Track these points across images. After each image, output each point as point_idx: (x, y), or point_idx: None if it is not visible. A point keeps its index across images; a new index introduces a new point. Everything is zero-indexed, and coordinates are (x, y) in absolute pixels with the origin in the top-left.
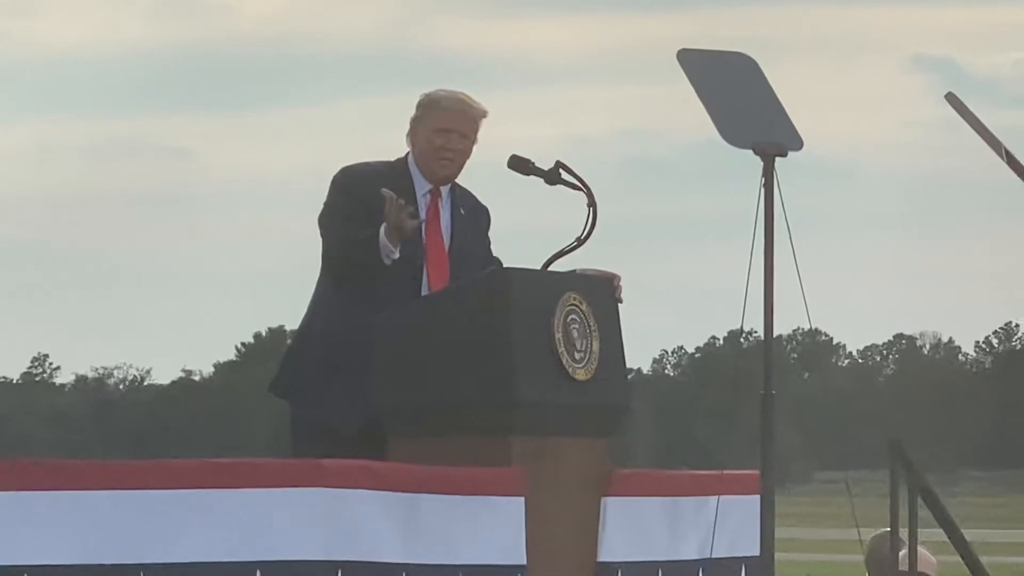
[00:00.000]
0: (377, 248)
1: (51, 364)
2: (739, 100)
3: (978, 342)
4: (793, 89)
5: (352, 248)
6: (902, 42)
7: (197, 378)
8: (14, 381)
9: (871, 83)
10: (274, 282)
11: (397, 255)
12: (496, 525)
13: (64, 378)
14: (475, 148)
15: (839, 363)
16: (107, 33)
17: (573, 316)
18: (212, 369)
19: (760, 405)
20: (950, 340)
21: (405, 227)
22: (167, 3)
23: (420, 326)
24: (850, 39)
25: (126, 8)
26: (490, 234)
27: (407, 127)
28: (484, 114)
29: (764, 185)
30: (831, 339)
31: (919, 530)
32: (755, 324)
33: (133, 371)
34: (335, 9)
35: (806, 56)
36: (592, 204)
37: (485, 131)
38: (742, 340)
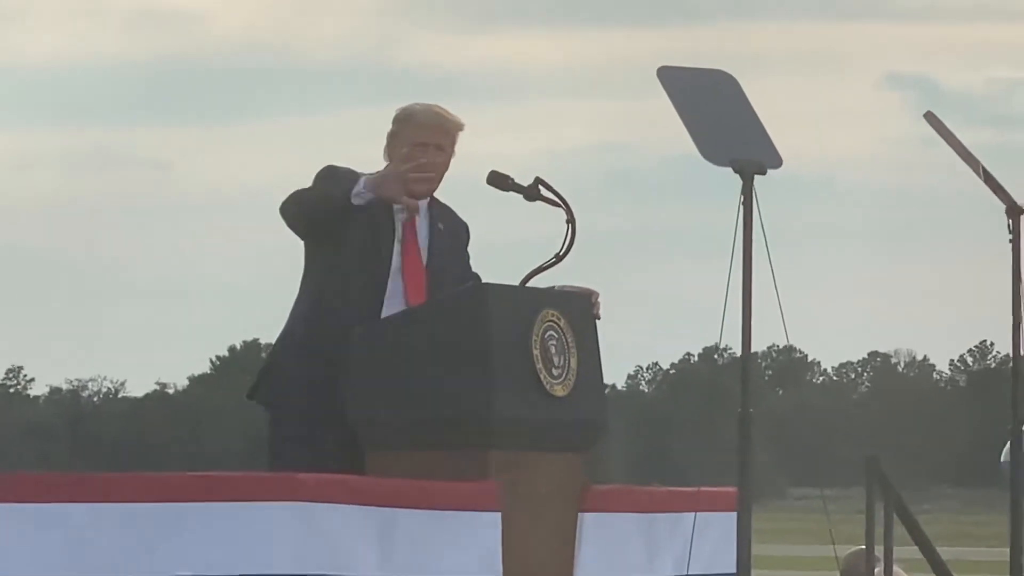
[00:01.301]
0: (350, 186)
1: (25, 376)
2: (718, 117)
3: (953, 360)
4: (768, 105)
5: (326, 198)
6: (877, 60)
7: (171, 391)
8: None
9: (846, 100)
10: (249, 295)
11: (364, 201)
12: (473, 540)
13: (38, 390)
14: (453, 162)
15: (814, 380)
16: (84, 44)
17: (551, 332)
18: (187, 382)
19: (737, 423)
20: (925, 358)
21: (408, 186)
22: (145, 14)
23: (398, 340)
24: (825, 56)
25: (103, 19)
26: (469, 249)
27: (384, 141)
28: (461, 127)
29: (743, 203)
30: (806, 356)
31: (894, 548)
32: (730, 340)
33: (107, 383)
34: (313, 22)
35: (781, 73)
36: (571, 220)
37: (463, 145)
38: (716, 357)
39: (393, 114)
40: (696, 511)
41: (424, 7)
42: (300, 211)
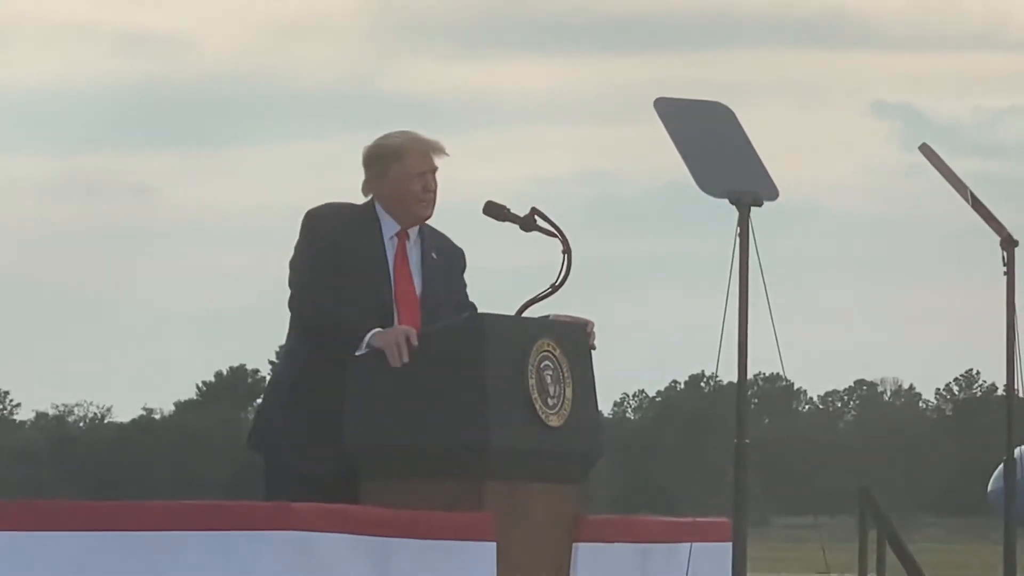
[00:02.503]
0: (358, 343)
1: (11, 401)
2: (715, 149)
3: (939, 389)
4: (753, 134)
5: (333, 329)
6: (862, 88)
7: (158, 416)
8: None
9: (831, 129)
10: (236, 321)
11: (364, 351)
12: (467, 570)
13: (24, 415)
14: (446, 191)
15: (800, 408)
16: (69, 69)
17: (547, 362)
18: (173, 407)
19: (733, 454)
20: (911, 387)
21: (396, 354)
22: (131, 40)
23: (394, 370)
24: (810, 85)
25: (89, 44)
26: (465, 276)
27: (365, 173)
28: (443, 149)
29: (739, 234)
30: (792, 384)
31: None
32: (714, 368)
33: (94, 409)
34: (300, 48)
35: (766, 101)
36: (567, 251)
37: (453, 172)
38: (703, 384)
39: (366, 149)
40: (691, 541)
41: (411, 33)
42: (306, 327)
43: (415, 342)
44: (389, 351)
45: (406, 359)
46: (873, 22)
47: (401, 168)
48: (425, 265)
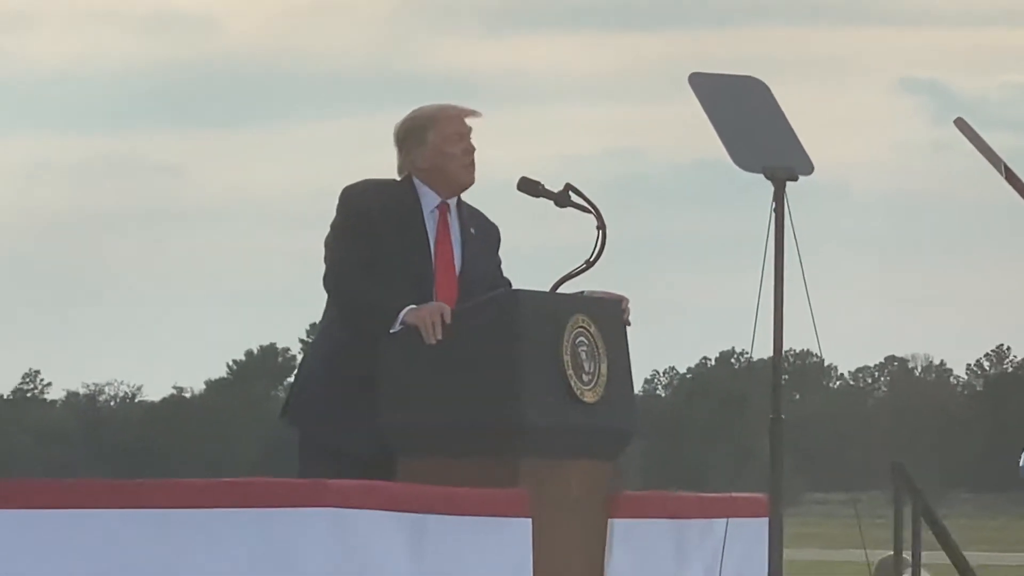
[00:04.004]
0: (392, 320)
1: (42, 380)
2: (750, 124)
3: (970, 365)
4: (783, 110)
5: (367, 307)
6: (890, 64)
7: (188, 395)
8: (5, 397)
9: (859, 105)
10: (266, 299)
11: (399, 328)
12: (503, 546)
13: (55, 394)
14: (481, 167)
15: (830, 385)
16: (97, 50)
17: (582, 338)
18: (203, 386)
19: (769, 429)
20: (942, 363)
21: (431, 332)
22: (158, 20)
23: (427, 346)
24: (837, 61)
25: (116, 25)
26: (500, 253)
27: (398, 158)
28: (476, 111)
29: (775, 209)
30: (822, 361)
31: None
32: (746, 345)
33: (124, 388)
34: (326, 27)
35: (794, 77)
36: (601, 227)
37: (484, 150)
38: (733, 361)
39: (398, 126)
40: (727, 517)
41: (438, 11)
42: (341, 305)
43: (448, 319)
44: (424, 328)
45: (440, 336)
46: None
47: (438, 133)
48: (464, 240)
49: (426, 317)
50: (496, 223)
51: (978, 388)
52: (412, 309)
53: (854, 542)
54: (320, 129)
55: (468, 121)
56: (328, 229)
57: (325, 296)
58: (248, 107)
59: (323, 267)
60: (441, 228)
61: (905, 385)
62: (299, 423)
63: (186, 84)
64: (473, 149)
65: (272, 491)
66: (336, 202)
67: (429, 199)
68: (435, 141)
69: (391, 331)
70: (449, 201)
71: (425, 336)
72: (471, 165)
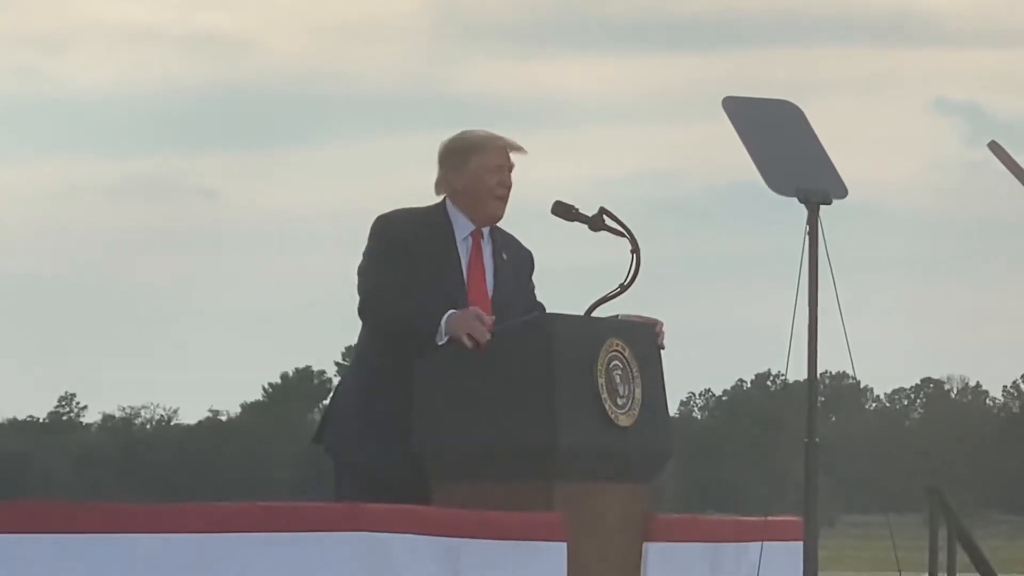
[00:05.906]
0: (435, 328)
1: (78, 403)
2: (783, 147)
3: (1006, 386)
4: (817, 131)
5: (406, 326)
6: (925, 85)
7: (224, 418)
8: (41, 420)
9: (895, 126)
10: (301, 322)
11: (445, 341)
12: (538, 570)
13: (91, 417)
14: (514, 190)
15: (867, 406)
16: (134, 72)
17: (616, 362)
18: (239, 409)
19: (804, 453)
20: (977, 384)
21: (478, 340)
22: (194, 42)
23: (462, 371)
24: (872, 82)
25: (153, 47)
26: (533, 279)
27: (437, 174)
28: (522, 147)
29: (808, 233)
30: (858, 382)
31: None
32: (782, 367)
33: (160, 411)
34: (363, 48)
35: (828, 99)
36: (636, 251)
37: (520, 172)
38: (769, 383)
39: (444, 143)
40: (762, 540)
41: (473, 34)
42: (380, 327)
43: (487, 323)
44: (473, 331)
45: (488, 337)
46: (936, 19)
47: (480, 160)
48: (497, 266)
49: (467, 324)
50: (530, 247)
51: (1014, 410)
52: (452, 314)
53: (890, 565)
54: (356, 151)
55: (512, 156)
56: (361, 257)
57: (360, 319)
58: (284, 129)
59: (357, 293)
60: (474, 255)
61: (941, 407)
62: (334, 454)
63: (223, 106)
64: (510, 184)
65: (307, 515)
66: (368, 230)
67: (462, 226)
68: (475, 168)
69: (439, 343)
70: (483, 228)
71: (472, 340)
72: (503, 200)
